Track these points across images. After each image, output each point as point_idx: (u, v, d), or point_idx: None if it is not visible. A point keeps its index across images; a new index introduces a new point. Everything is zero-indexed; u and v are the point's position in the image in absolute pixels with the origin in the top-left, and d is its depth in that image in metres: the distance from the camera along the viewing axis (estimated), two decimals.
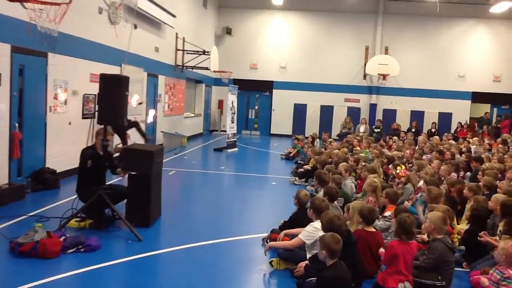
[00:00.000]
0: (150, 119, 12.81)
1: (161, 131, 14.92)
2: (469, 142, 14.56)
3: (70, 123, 9.56)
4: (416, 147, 13.65)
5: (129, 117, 10.84)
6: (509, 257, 4.42)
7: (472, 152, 11.61)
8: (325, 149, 12.55)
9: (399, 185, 7.57)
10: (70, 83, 9.50)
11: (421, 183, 7.28)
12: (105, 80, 6.13)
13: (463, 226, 6.09)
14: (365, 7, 22.13)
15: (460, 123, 20.90)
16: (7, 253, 5.12)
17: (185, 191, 9.88)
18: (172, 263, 5.39)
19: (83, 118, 9.96)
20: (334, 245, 4.03)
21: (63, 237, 5.42)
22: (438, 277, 4.74)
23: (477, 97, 22.02)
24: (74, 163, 9.16)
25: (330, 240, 4.07)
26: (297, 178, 10.67)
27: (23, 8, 7.00)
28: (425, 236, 5.24)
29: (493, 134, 18.57)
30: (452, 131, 20.67)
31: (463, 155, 10.46)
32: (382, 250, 4.90)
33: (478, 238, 5.26)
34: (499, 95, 21.82)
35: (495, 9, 19.67)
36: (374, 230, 5.17)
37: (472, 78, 21.87)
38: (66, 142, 9.35)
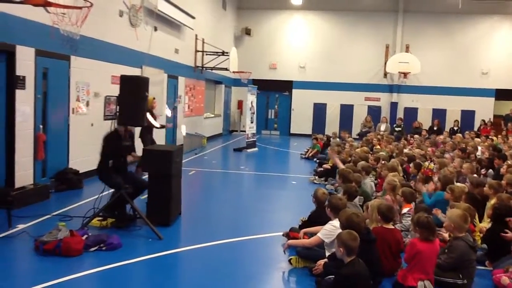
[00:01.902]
0: (168, 114, 12.97)
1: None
2: (492, 140, 14.29)
3: (92, 125, 9.74)
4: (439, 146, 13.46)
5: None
6: None
7: None
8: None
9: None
10: (92, 85, 9.69)
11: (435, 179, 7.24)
12: (125, 81, 6.24)
13: (485, 224, 5.99)
14: (385, 5, 21.92)
15: (483, 120, 20.50)
16: (32, 251, 5.25)
17: (205, 190, 9.96)
18: (192, 261, 5.44)
19: (104, 119, 10.14)
20: (351, 242, 4.03)
21: (85, 236, 5.53)
22: (459, 276, 4.70)
23: (501, 94, 21.53)
24: (97, 163, 9.37)
25: (347, 237, 4.06)
26: (316, 177, 10.65)
27: (46, 13, 7.17)
28: (446, 235, 5.19)
29: None
30: (475, 129, 20.31)
31: (485, 152, 10.29)
32: (408, 240, 4.86)
33: (502, 234, 5.18)
34: None
35: None
36: (393, 227, 5.13)
37: (495, 75, 21.42)
38: (88, 143, 9.52)
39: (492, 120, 20.98)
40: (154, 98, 10.54)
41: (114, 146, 6.39)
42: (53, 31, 7.38)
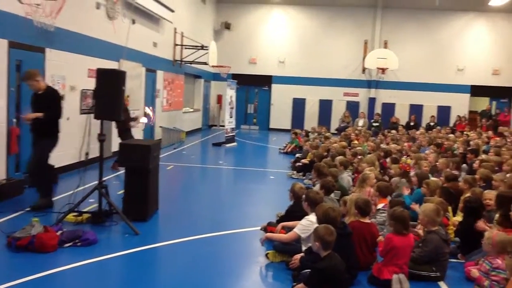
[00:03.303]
0: (144, 120, 12.11)
1: (160, 126, 14.94)
2: (467, 136, 14.59)
3: (68, 119, 9.53)
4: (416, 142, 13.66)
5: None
6: (495, 246, 4.44)
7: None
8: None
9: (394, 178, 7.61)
10: (68, 79, 9.52)
11: (412, 173, 7.36)
12: (102, 75, 6.13)
13: (458, 218, 6.11)
14: (364, 1, 22.09)
15: (459, 116, 20.91)
16: (5, 248, 5.14)
17: (183, 185, 9.91)
18: (169, 256, 5.43)
19: (81, 113, 9.99)
20: (327, 237, 4.06)
21: (60, 231, 5.45)
22: (432, 268, 4.81)
23: (476, 91, 22.00)
24: (72, 158, 9.25)
25: (324, 232, 4.09)
26: (295, 172, 10.70)
27: (19, 3, 7.00)
28: (421, 232, 5.28)
29: (492, 127, 18.59)
30: (451, 124, 20.70)
31: (459, 147, 10.49)
32: (381, 238, 4.93)
33: (475, 226, 5.30)
34: (498, 88, 21.78)
35: (494, 2, 19.62)
36: (369, 221, 5.20)
37: (471, 72, 21.84)
38: (64, 137, 9.30)
39: (467, 116, 21.41)
40: (128, 96, 10.42)
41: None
42: (26, 23, 7.21)
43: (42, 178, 6.92)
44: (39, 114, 6.62)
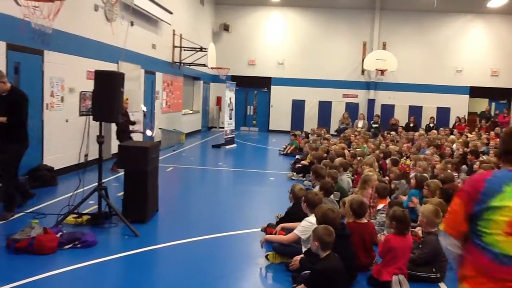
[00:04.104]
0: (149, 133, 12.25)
1: (159, 128, 14.93)
2: (467, 137, 14.59)
3: (67, 120, 9.58)
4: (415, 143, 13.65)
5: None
6: None
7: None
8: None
9: (394, 180, 7.60)
10: (67, 81, 9.52)
11: (411, 175, 7.36)
12: (100, 77, 6.15)
13: None
14: (362, 3, 22.10)
15: (458, 117, 20.92)
16: (4, 250, 5.14)
17: (183, 187, 9.90)
18: (169, 258, 5.42)
19: (80, 115, 9.98)
20: (326, 237, 4.06)
21: (59, 233, 5.44)
22: (432, 270, 4.80)
23: (475, 92, 22.02)
24: (72, 160, 9.25)
25: (323, 232, 4.09)
26: (295, 174, 10.69)
27: (17, 5, 7.00)
28: (419, 232, 5.28)
29: (491, 129, 18.59)
30: (451, 125, 20.71)
31: (459, 149, 10.48)
32: (380, 238, 4.92)
33: None
34: (497, 90, 21.82)
35: (492, 3, 19.65)
36: (366, 221, 5.20)
37: (469, 73, 21.86)
38: (63, 139, 9.36)
39: (466, 117, 21.42)
40: (127, 99, 10.39)
41: None
42: (24, 25, 7.21)
43: (7, 186, 6.50)
44: (2, 119, 6.19)
